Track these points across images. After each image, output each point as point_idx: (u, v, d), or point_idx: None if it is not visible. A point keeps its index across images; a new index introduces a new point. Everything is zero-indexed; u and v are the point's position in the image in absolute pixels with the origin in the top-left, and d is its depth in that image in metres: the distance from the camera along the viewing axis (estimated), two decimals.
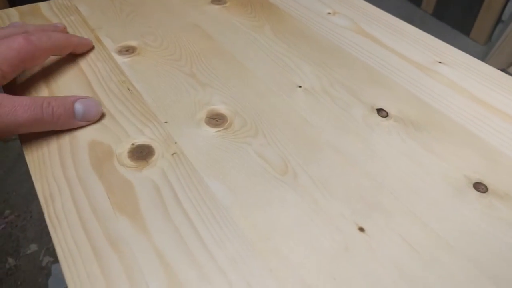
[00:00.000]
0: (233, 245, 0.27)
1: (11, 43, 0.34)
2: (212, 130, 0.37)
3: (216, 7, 0.56)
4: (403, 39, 0.50)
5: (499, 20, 2.28)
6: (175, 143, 0.35)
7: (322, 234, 0.28)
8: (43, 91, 0.40)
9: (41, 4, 0.53)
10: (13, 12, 0.52)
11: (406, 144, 0.36)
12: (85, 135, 0.35)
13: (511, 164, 0.34)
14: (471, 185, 0.32)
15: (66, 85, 0.41)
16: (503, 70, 1.58)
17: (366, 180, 0.33)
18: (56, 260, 1.40)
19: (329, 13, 0.55)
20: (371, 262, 0.27)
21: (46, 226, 1.26)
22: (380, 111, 0.39)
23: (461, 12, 2.53)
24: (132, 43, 0.47)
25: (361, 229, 0.29)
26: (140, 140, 0.35)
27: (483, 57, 2.16)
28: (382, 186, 0.32)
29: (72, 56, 0.44)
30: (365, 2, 0.57)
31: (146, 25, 0.51)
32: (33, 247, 1.45)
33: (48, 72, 0.42)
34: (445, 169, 0.34)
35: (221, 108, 0.39)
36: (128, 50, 0.46)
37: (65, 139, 0.35)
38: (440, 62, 0.46)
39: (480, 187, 0.32)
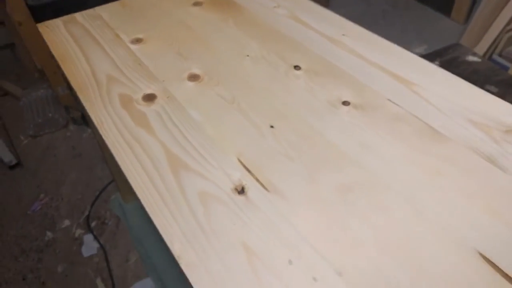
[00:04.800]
0: (203, 139, 0.52)
1: None
2: (191, 83, 0.61)
3: (196, 8, 0.80)
4: (321, 19, 0.74)
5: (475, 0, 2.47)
6: (169, 91, 0.59)
7: (248, 130, 0.53)
8: (85, 67, 0.65)
9: (76, 14, 0.78)
10: (58, 22, 0.77)
11: (306, 84, 0.60)
12: (115, 90, 0.60)
13: (369, 91, 0.58)
14: (341, 102, 0.56)
15: (100, 63, 0.65)
16: (471, 50, 1.77)
17: (278, 101, 0.56)
18: (86, 232, 1.66)
19: (275, 7, 0.78)
20: (274, 145, 0.51)
21: (76, 205, 1.61)
22: (296, 67, 0.63)
23: None
24: (140, 36, 0.72)
25: (272, 126, 0.53)
26: (148, 91, 0.59)
27: (461, 36, 2.34)
28: (287, 104, 0.56)
29: (101, 46, 0.69)
30: None
31: (148, 23, 0.75)
32: (66, 222, 1.70)
33: (88, 56, 0.67)
34: (327, 95, 0.57)
35: (197, 71, 0.63)
36: (137, 41, 0.70)
37: (103, 91, 0.59)
38: (344, 35, 0.70)
39: (346, 103, 0.56)
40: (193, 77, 0.62)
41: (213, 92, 0.59)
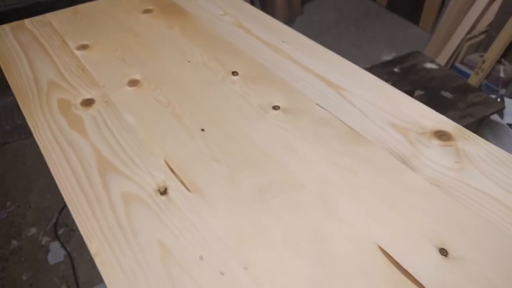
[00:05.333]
0: (134, 142, 0.53)
1: None
2: (130, 89, 0.63)
3: (146, 15, 0.82)
4: (264, 26, 0.76)
5: (442, 8, 2.55)
6: (107, 96, 0.61)
7: (179, 133, 0.54)
8: (28, 74, 0.66)
9: (26, 20, 0.79)
10: (6, 28, 0.77)
11: (241, 89, 0.62)
12: (55, 95, 0.61)
13: (299, 95, 0.61)
14: (271, 107, 0.59)
15: (44, 70, 0.67)
16: (430, 58, 1.82)
17: (213, 105, 0.59)
18: (53, 239, 1.65)
19: (222, 14, 0.81)
20: (203, 148, 0.53)
21: (44, 212, 1.61)
22: (234, 72, 0.65)
23: (410, 4, 2.82)
24: (86, 42, 0.73)
25: (203, 130, 0.55)
26: (87, 96, 0.61)
27: (427, 44, 2.41)
28: (221, 108, 0.58)
29: (47, 52, 0.70)
30: (249, 5, 0.83)
31: (97, 30, 0.77)
32: (33, 230, 1.69)
33: (32, 63, 0.68)
34: (260, 100, 0.60)
35: (138, 77, 0.65)
36: (83, 47, 0.72)
37: (43, 97, 0.61)
38: (284, 42, 0.72)
39: (276, 107, 0.58)
40: (133, 83, 0.64)
41: (150, 97, 0.61)
